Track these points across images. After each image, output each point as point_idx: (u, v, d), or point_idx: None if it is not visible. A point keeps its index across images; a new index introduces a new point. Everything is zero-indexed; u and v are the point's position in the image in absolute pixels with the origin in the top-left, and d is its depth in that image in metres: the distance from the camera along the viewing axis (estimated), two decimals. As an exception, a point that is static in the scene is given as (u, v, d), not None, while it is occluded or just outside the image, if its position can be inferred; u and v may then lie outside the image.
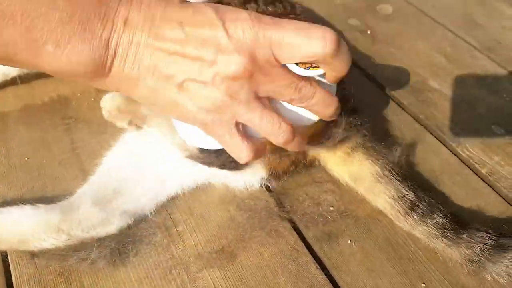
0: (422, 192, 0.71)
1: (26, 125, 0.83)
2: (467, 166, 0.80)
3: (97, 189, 0.71)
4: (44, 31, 0.44)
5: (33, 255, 0.64)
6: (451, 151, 0.83)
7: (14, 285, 0.61)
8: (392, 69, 1.02)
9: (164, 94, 0.49)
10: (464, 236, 0.65)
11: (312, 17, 0.78)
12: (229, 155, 0.54)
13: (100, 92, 0.89)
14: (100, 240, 0.65)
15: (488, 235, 0.65)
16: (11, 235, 0.65)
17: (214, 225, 0.69)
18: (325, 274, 0.63)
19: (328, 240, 0.68)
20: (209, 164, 0.70)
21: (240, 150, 0.52)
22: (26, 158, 0.77)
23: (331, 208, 0.71)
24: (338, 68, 0.50)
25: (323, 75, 0.52)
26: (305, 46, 0.47)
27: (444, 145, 0.84)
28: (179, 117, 0.53)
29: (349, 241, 0.68)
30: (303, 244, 0.67)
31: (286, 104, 0.54)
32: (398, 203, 0.69)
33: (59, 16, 0.44)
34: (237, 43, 0.47)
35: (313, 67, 0.51)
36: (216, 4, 0.49)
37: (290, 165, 0.75)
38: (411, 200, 0.69)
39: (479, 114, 0.91)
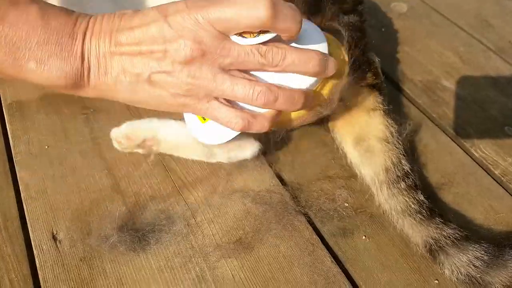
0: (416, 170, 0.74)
1: (46, 114, 0.84)
2: (480, 166, 0.81)
3: None
4: (25, 51, 0.53)
5: (54, 236, 0.66)
6: (464, 151, 0.84)
7: (38, 270, 0.63)
8: (405, 67, 1.03)
9: (141, 91, 0.57)
10: (437, 220, 0.67)
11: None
12: None
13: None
14: (120, 227, 0.67)
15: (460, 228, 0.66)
16: (170, 140, 0.75)
17: (231, 217, 0.70)
18: (340, 268, 0.65)
19: (343, 235, 0.69)
20: None
21: (228, 117, 0.57)
22: (46, 147, 0.79)
23: (346, 205, 0.73)
24: (284, 29, 0.53)
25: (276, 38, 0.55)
26: (241, 18, 0.51)
27: (457, 145, 0.85)
28: (165, 108, 0.61)
29: (363, 237, 0.69)
30: (318, 238, 0.68)
31: (271, 74, 0.57)
32: (396, 168, 0.72)
33: (37, 40, 0.53)
34: (179, 30, 0.53)
35: (263, 32, 0.54)
36: (161, 5, 0.55)
37: None
38: (405, 171, 0.72)
39: (492, 116, 0.91)
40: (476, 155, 0.84)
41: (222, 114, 0.57)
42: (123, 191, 0.73)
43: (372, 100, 0.78)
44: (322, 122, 0.80)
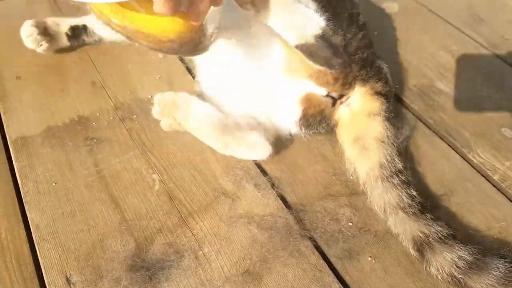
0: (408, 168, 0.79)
1: (50, 148, 0.85)
2: (478, 172, 0.83)
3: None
4: None
5: (68, 280, 0.68)
6: (462, 157, 0.85)
7: (55, 314, 0.64)
8: (399, 71, 1.03)
9: None
10: (427, 216, 0.71)
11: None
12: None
13: (119, 110, 0.92)
14: (130, 266, 0.69)
15: (448, 227, 0.70)
16: (198, 118, 0.84)
17: (238, 246, 0.72)
18: (348, 292, 0.67)
19: (349, 257, 0.71)
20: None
21: None
22: (54, 184, 0.80)
23: (350, 224, 0.74)
24: None
25: None
26: None
27: (455, 151, 0.86)
28: None
29: (369, 258, 0.71)
30: (325, 263, 0.70)
31: None
32: (390, 164, 0.77)
33: None
34: None
35: None
36: None
37: (319, 113, 0.83)
38: (398, 168, 0.77)
39: (487, 116, 0.92)
40: (474, 161, 0.85)
41: None
42: (130, 225, 0.74)
43: (377, 107, 0.82)
44: (327, 121, 0.84)
